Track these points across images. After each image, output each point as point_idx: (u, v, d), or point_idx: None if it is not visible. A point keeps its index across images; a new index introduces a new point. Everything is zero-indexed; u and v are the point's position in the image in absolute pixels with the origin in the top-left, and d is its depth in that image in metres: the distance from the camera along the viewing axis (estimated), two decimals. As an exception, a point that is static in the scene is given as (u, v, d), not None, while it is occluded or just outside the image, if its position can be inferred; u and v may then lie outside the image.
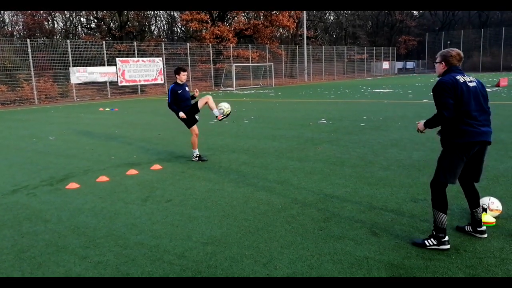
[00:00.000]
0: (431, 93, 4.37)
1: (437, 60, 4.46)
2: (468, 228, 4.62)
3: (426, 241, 4.31)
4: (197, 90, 9.24)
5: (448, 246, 4.25)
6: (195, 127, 8.81)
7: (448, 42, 65.94)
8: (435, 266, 3.94)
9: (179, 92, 8.64)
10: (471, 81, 4.25)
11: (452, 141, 4.22)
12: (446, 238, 4.26)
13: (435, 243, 4.26)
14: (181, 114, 8.62)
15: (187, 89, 8.86)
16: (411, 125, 12.43)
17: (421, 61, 70.59)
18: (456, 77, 4.21)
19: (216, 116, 8.80)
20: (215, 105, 8.78)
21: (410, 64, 71.19)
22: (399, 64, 68.46)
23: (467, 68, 62.12)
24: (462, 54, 4.38)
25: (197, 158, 8.81)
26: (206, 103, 8.73)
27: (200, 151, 8.92)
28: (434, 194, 4.32)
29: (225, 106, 8.99)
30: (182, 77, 8.69)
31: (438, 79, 4.35)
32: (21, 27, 49.34)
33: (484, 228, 4.55)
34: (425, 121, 4.46)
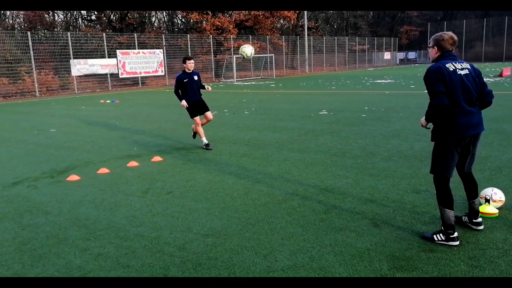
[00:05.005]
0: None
1: (429, 45, 4.28)
2: (465, 219, 4.54)
3: (434, 236, 4.22)
4: (209, 87, 9.40)
5: (457, 243, 4.12)
6: (197, 118, 9.04)
7: (450, 32, 65.53)
8: (437, 257, 3.91)
9: (184, 81, 8.87)
10: (462, 69, 4.04)
11: (442, 136, 4.07)
12: (455, 234, 4.13)
13: (443, 238, 4.16)
14: (183, 102, 8.88)
15: (195, 78, 9.01)
16: (412, 116, 12.38)
17: (423, 52, 70.02)
18: (446, 64, 4.00)
19: (206, 144, 9.06)
20: (203, 133, 9.12)
21: (411, 55, 70.74)
22: (400, 55, 68.06)
23: (470, 58, 61.82)
24: (455, 38, 4.18)
25: (204, 146, 9.05)
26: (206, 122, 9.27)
27: (200, 142, 8.93)
28: (437, 190, 4.20)
29: (247, 52, 9.98)
30: (188, 65, 8.91)
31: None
32: (22, 19, 49.07)
33: (480, 220, 4.46)
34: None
